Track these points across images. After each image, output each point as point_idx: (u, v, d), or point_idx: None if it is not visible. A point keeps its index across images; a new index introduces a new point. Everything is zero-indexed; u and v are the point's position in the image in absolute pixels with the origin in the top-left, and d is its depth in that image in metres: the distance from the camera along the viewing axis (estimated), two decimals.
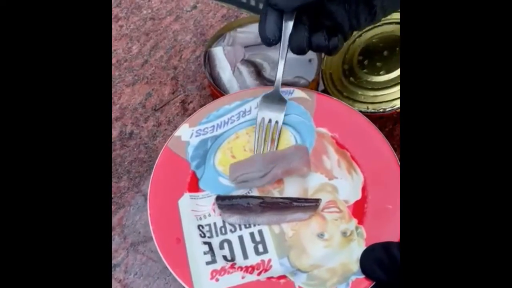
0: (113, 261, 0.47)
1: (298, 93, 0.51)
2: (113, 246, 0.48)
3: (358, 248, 0.41)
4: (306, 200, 0.45)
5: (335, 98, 0.51)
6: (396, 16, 0.55)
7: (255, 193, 0.46)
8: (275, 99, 0.50)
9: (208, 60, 0.58)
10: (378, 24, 0.55)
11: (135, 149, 0.55)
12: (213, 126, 0.51)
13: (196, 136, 0.50)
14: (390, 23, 0.55)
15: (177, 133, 0.49)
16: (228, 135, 0.51)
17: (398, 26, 0.54)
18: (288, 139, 0.50)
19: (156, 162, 0.47)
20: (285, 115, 0.51)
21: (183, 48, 0.59)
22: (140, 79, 0.56)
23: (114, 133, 0.57)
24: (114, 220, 0.50)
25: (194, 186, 0.47)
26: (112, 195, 0.52)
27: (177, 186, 0.47)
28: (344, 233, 0.43)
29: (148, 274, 0.45)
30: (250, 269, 0.41)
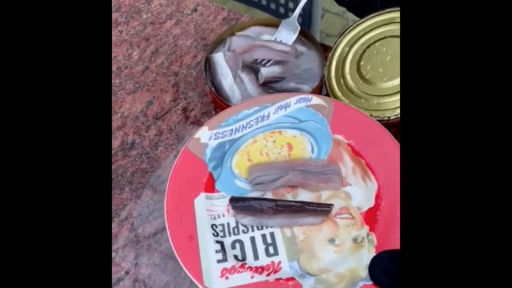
0: (117, 275, 0.46)
1: (316, 100, 0.52)
2: (117, 259, 0.47)
3: (368, 254, 0.41)
4: (319, 204, 0.45)
5: (352, 106, 0.51)
6: (399, 14, 0.52)
7: (269, 196, 0.47)
8: (291, 26, 0.56)
9: (209, 66, 0.57)
10: (380, 23, 0.53)
11: (137, 159, 0.54)
12: (232, 130, 0.52)
13: (215, 139, 0.52)
14: (393, 23, 0.53)
15: (196, 135, 0.51)
16: (246, 139, 0.52)
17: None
18: (305, 145, 0.51)
19: (175, 162, 0.49)
20: (302, 121, 0.52)
21: (184, 53, 0.57)
22: (141, 86, 0.55)
23: (116, 143, 0.55)
24: (116, 232, 0.49)
25: (210, 186, 0.49)
26: (115, 207, 0.51)
27: (194, 186, 0.48)
28: (355, 240, 0.43)
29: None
30: (260, 269, 0.42)
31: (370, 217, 0.44)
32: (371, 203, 0.45)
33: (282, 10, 0.90)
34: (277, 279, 0.41)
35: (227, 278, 0.41)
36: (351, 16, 0.55)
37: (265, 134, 0.52)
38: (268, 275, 0.42)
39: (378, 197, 0.45)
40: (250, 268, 0.42)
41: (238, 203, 0.46)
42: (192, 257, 0.43)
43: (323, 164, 0.48)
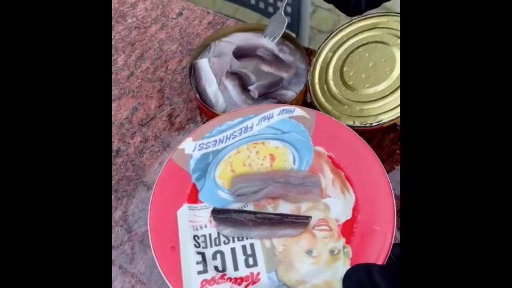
0: None
1: (298, 111, 0.53)
2: None
3: (343, 267, 0.42)
4: (297, 217, 0.46)
5: (333, 118, 0.52)
6: (381, 19, 0.53)
7: (250, 207, 0.49)
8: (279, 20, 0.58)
9: (194, 72, 0.56)
10: (363, 29, 0.54)
11: (122, 166, 0.54)
12: (216, 140, 0.53)
13: (199, 149, 0.53)
14: (376, 28, 0.53)
15: (181, 146, 0.52)
16: (230, 150, 0.53)
17: (384, 31, 0.53)
18: (287, 156, 0.52)
19: (159, 174, 0.50)
20: (284, 132, 0.53)
21: (169, 58, 0.57)
22: (126, 92, 0.55)
23: None
24: None
25: (193, 197, 0.50)
26: None
27: (177, 197, 0.49)
28: (332, 251, 0.44)
29: None
30: (239, 280, 0.43)
31: (347, 230, 0.45)
32: (349, 216, 0.46)
33: (271, 9, 0.89)
34: None
35: None
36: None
37: (248, 145, 0.53)
38: (246, 286, 0.43)
39: (355, 209, 0.46)
40: (230, 279, 0.44)
41: (220, 215, 0.48)
42: (174, 268, 0.44)
43: (303, 176, 0.50)
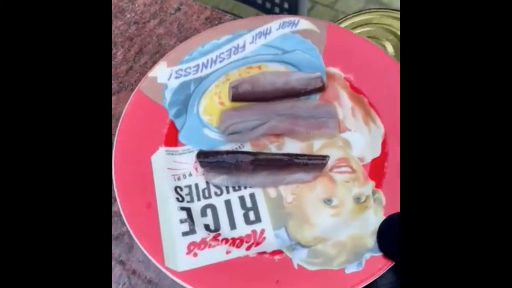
0: None
1: (304, 23, 0.41)
2: None
3: (375, 218, 0.32)
4: (310, 157, 0.36)
5: (350, 31, 0.41)
6: (375, 15, 0.53)
7: (247, 148, 0.38)
8: None
9: None
10: (357, 24, 0.53)
11: None
12: (197, 65, 0.42)
13: (176, 77, 0.41)
14: (370, 23, 0.53)
15: (152, 73, 0.40)
16: (216, 76, 0.42)
17: (377, 26, 0.52)
18: None
19: (125, 110, 0.38)
20: (286, 51, 0.41)
21: (167, 53, 0.54)
22: (125, 86, 0.51)
23: None
24: None
25: (172, 139, 0.38)
26: None
27: (151, 139, 0.38)
28: (357, 199, 0.34)
29: None
30: (237, 241, 0.33)
31: (376, 170, 0.35)
32: (377, 152, 0.36)
33: (268, 5, 0.82)
34: (260, 253, 0.32)
35: (195, 255, 0.32)
36: (341, 7, 0.56)
37: (240, 69, 0.42)
38: (248, 248, 0.33)
39: (385, 144, 0.36)
40: (226, 240, 0.33)
41: (208, 159, 0.36)
42: (150, 229, 0.33)
43: (314, 106, 0.39)
